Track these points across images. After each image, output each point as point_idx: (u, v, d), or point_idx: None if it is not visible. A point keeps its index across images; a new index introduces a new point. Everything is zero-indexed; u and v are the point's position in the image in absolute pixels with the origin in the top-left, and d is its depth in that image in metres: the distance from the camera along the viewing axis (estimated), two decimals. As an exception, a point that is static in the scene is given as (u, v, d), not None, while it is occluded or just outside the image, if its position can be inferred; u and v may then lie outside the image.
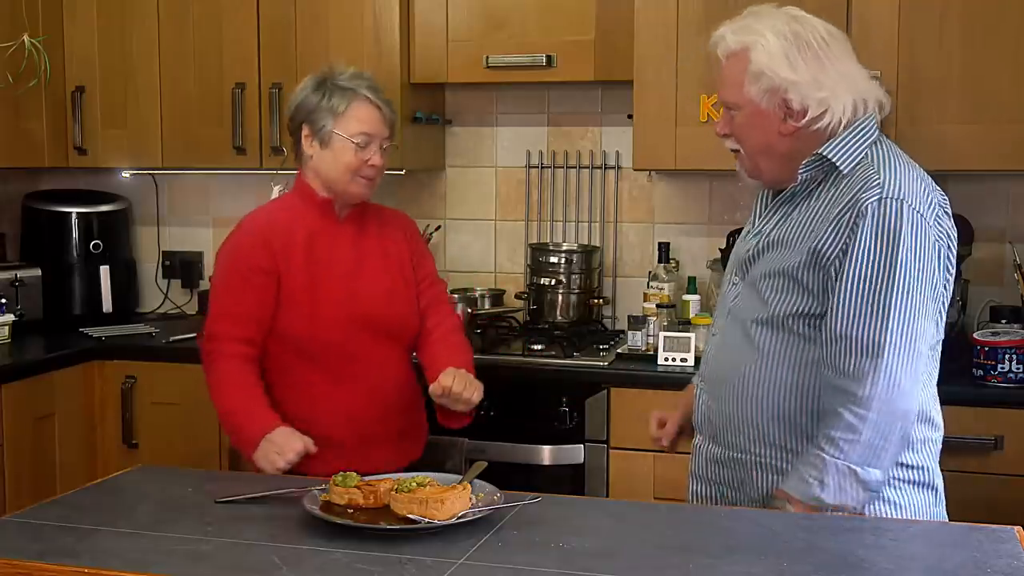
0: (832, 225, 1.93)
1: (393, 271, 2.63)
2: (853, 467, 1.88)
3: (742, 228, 3.22)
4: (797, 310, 1.98)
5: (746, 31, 2.01)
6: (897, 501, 1.99)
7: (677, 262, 3.46)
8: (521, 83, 3.45)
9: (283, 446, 2.34)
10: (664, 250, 3.39)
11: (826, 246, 1.93)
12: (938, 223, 1.96)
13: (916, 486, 2.02)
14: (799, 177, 2.03)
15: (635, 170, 3.30)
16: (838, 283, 1.91)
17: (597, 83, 3.41)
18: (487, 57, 3.30)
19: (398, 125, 3.11)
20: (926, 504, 2.04)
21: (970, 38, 2.86)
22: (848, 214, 1.92)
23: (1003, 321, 2.94)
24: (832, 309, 1.92)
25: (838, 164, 1.98)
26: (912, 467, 2.01)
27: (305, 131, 2.54)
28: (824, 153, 1.99)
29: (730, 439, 2.08)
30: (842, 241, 1.91)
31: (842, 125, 1.99)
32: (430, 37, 3.36)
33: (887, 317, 1.87)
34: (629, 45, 3.13)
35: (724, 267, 3.20)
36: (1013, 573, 1.58)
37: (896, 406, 1.88)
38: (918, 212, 1.91)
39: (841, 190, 1.96)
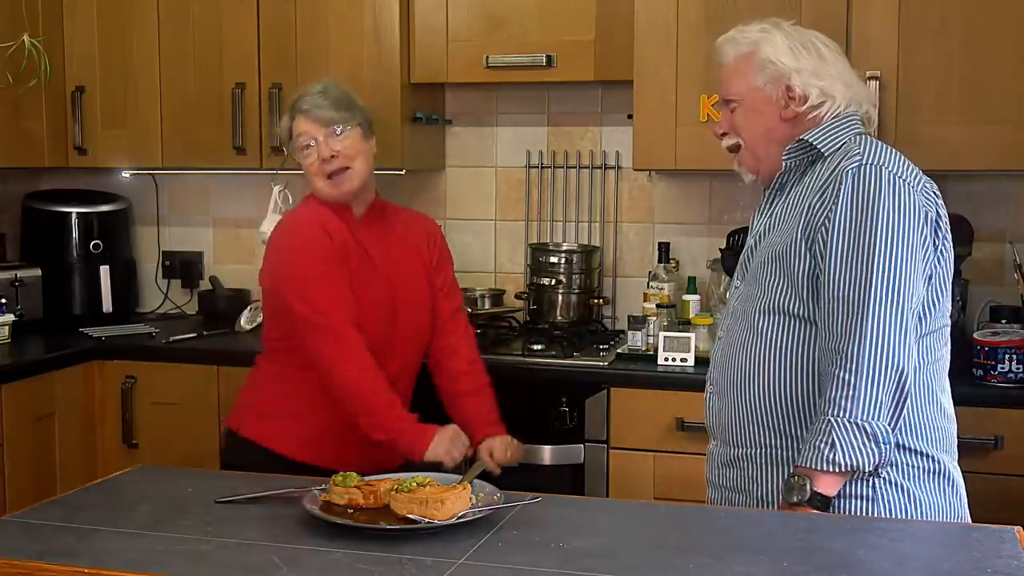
0: (819, 195, 2.01)
1: (418, 277, 2.68)
2: (859, 422, 1.88)
3: (743, 228, 3.26)
4: (796, 290, 2.01)
5: (754, 33, 2.14)
6: (913, 492, 1.99)
7: (677, 262, 3.46)
8: (521, 83, 3.45)
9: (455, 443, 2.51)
10: (664, 250, 3.39)
11: (813, 215, 2.00)
12: (925, 194, 1.99)
13: (933, 476, 2.01)
14: (783, 164, 2.11)
15: (635, 170, 3.30)
16: (826, 249, 1.96)
17: (597, 83, 3.41)
18: (487, 57, 3.30)
19: (396, 127, 3.12)
20: (943, 496, 2.02)
21: (970, 38, 2.86)
22: (832, 184, 1.99)
23: (1003, 321, 2.93)
24: (825, 274, 1.96)
25: (820, 148, 2.07)
26: (927, 456, 2.00)
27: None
28: (806, 138, 2.08)
29: (739, 435, 2.08)
30: (827, 208, 1.98)
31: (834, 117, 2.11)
32: (430, 37, 3.36)
33: (870, 273, 1.91)
34: (629, 45, 3.13)
35: (724, 267, 3.23)
36: (1013, 573, 1.58)
37: (886, 359, 1.88)
38: (899, 176, 1.97)
39: (827, 166, 2.05)
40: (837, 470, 1.89)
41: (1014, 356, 2.80)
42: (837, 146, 2.07)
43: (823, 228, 1.97)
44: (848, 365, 1.89)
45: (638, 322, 3.18)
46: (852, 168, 1.97)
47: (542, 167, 3.65)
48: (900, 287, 1.91)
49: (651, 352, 3.09)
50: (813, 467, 1.90)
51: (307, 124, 2.57)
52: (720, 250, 3.28)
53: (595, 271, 3.53)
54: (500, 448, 2.62)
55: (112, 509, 1.87)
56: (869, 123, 2.16)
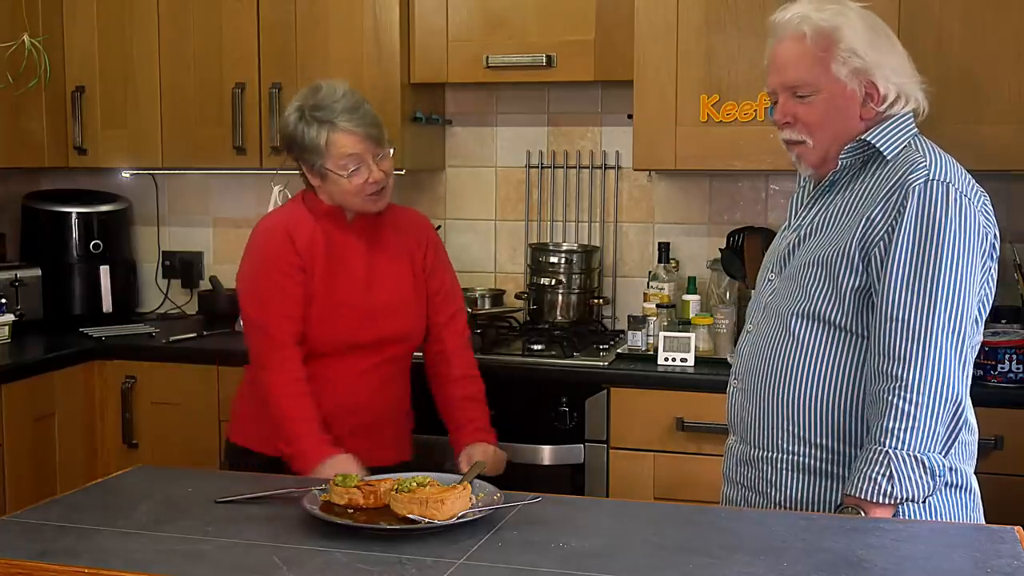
0: (879, 207, 1.91)
1: (404, 280, 2.65)
2: (917, 455, 1.84)
3: (743, 228, 3.26)
4: (840, 300, 1.95)
5: (831, 12, 1.98)
6: (937, 506, 1.96)
7: (677, 262, 3.46)
8: (521, 83, 3.45)
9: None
10: (664, 250, 3.39)
11: (872, 228, 1.91)
12: (985, 212, 1.94)
13: (956, 489, 1.99)
14: (839, 163, 2.01)
15: (635, 170, 3.30)
16: (886, 265, 1.89)
17: (597, 83, 3.42)
18: (487, 57, 3.30)
19: (396, 127, 3.12)
20: (963, 507, 2.00)
21: (970, 38, 2.86)
22: (895, 196, 1.90)
23: (1003, 321, 2.93)
24: (881, 292, 1.89)
25: (882, 150, 1.97)
26: (953, 470, 1.96)
27: (303, 167, 2.59)
28: (868, 139, 1.98)
29: (763, 437, 2.04)
30: (888, 223, 1.90)
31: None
32: (430, 37, 3.36)
33: (934, 299, 1.85)
34: (629, 45, 3.13)
35: (724, 267, 3.23)
36: (1013, 573, 1.58)
37: (946, 389, 1.85)
38: (964, 195, 1.90)
39: (886, 174, 1.95)
40: (892, 502, 1.86)
41: (1014, 356, 2.80)
42: (898, 149, 1.97)
43: (882, 243, 1.90)
44: (907, 395, 1.84)
45: (638, 322, 3.18)
46: (919, 184, 1.88)
47: (542, 167, 3.65)
48: (962, 315, 1.86)
49: (651, 352, 3.09)
50: (869, 499, 1.87)
51: (357, 143, 2.50)
52: (720, 250, 3.28)
53: (595, 271, 3.53)
54: (479, 455, 2.56)
55: (112, 509, 1.87)
56: (922, 112, 2.05)
